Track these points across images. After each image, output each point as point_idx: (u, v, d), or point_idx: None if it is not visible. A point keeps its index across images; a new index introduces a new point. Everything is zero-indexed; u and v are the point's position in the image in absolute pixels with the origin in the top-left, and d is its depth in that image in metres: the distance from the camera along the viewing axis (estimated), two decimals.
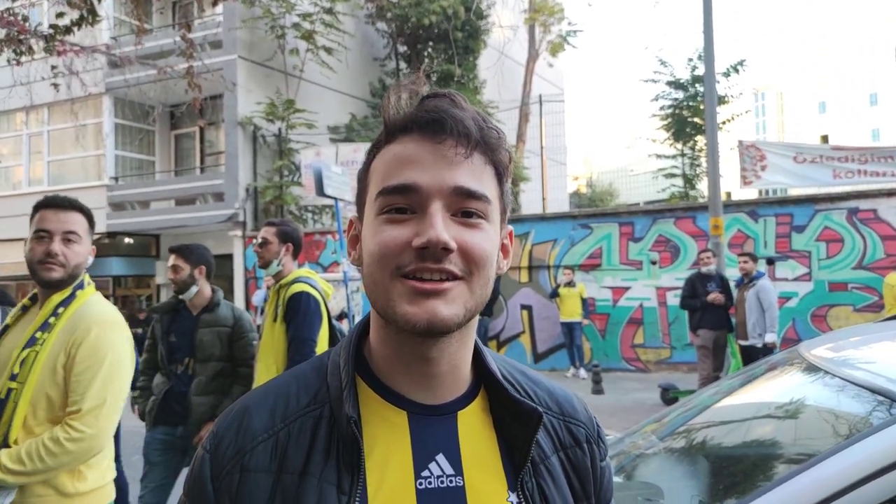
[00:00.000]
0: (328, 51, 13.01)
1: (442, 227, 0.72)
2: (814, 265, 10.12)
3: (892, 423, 1.28)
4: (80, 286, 2.11)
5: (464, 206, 0.76)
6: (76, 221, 2.08)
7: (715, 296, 7.78)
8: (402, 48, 15.28)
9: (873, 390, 1.47)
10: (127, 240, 15.43)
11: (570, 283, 10.69)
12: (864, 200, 9.79)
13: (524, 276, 11.79)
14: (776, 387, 2.03)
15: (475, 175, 0.76)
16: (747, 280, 7.57)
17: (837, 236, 9.94)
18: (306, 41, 13.13)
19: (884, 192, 9.87)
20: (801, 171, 10.64)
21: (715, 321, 7.84)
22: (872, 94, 34.99)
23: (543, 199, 13.15)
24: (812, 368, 1.83)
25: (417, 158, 0.76)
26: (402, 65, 15.57)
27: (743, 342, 7.59)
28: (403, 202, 0.75)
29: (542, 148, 13.37)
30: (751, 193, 12.70)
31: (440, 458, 0.77)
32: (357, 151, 12.05)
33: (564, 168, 23.06)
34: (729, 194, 11.45)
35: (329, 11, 13.08)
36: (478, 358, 0.86)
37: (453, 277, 0.74)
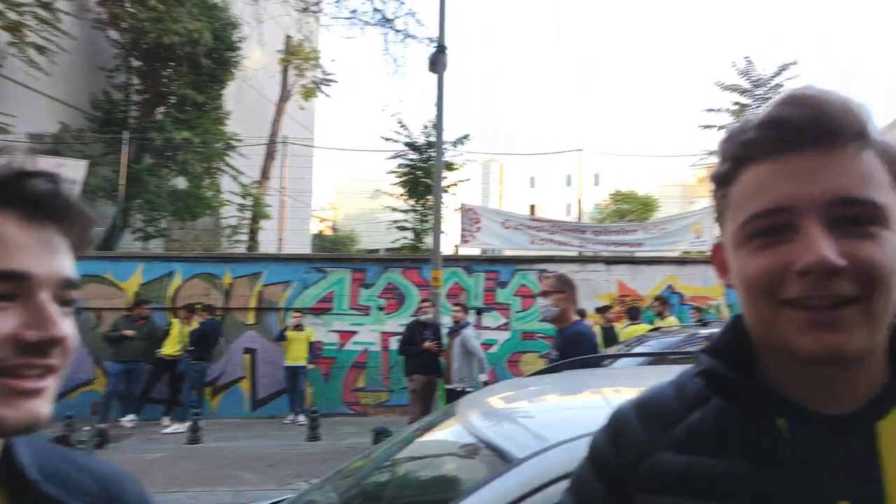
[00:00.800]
0: (40, 49, 11.36)
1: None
2: (512, 316, 11.58)
3: (494, 478, 1.41)
4: None
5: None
6: None
7: (430, 344, 8.41)
8: (137, 62, 14.05)
9: (494, 448, 1.57)
10: None
11: (298, 326, 10.57)
12: (551, 264, 11.54)
13: (251, 318, 11.38)
14: (428, 441, 2.13)
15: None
16: (457, 328, 8.33)
17: (530, 292, 11.53)
18: (11, 33, 11.32)
19: (566, 258, 11.98)
20: (507, 235, 12.23)
21: (428, 366, 8.45)
22: (567, 174, 41.71)
23: (280, 239, 12.96)
24: (456, 422, 1.96)
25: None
26: (136, 80, 14.28)
27: (448, 386, 8.29)
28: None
29: (281, 187, 13.25)
30: (474, 250, 14.10)
31: None
32: (62, 167, 10.62)
33: (309, 210, 23.12)
34: (457, 248, 12.59)
35: (46, 7, 11.49)
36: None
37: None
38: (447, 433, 2.01)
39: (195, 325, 10.31)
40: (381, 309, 11.52)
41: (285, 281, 11.49)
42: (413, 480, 2.05)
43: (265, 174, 15.90)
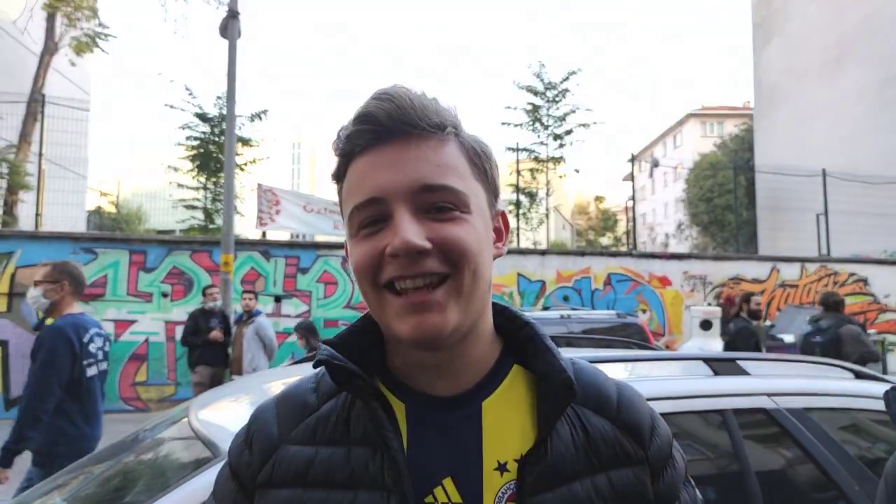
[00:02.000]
0: None
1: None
2: (314, 303, 11.24)
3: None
4: None
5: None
6: None
7: (215, 334, 7.81)
8: None
9: (205, 442, 1.58)
10: None
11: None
12: None
13: (2, 305, 9.75)
14: (159, 436, 2.06)
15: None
16: (247, 317, 7.84)
17: (333, 279, 11.29)
18: None
19: None
20: (308, 220, 11.79)
21: (213, 358, 7.86)
22: None
23: (38, 214, 11.21)
24: (183, 417, 1.93)
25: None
26: None
27: (237, 377, 7.79)
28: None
29: (40, 154, 11.46)
30: (284, 235, 13.40)
31: None
32: None
33: (84, 182, 20.43)
34: (264, 234, 11.88)
35: None
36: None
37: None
38: (174, 429, 1.97)
39: None
40: (165, 296, 10.52)
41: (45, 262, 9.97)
42: (133, 475, 1.95)
43: (25, 138, 13.63)
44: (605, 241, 38.13)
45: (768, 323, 12.80)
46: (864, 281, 14.72)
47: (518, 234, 15.83)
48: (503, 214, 0.85)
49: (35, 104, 13.13)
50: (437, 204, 0.72)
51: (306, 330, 7.65)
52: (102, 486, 1.95)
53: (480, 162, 0.79)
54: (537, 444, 0.74)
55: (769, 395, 1.89)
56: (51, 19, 15.11)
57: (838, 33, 19.65)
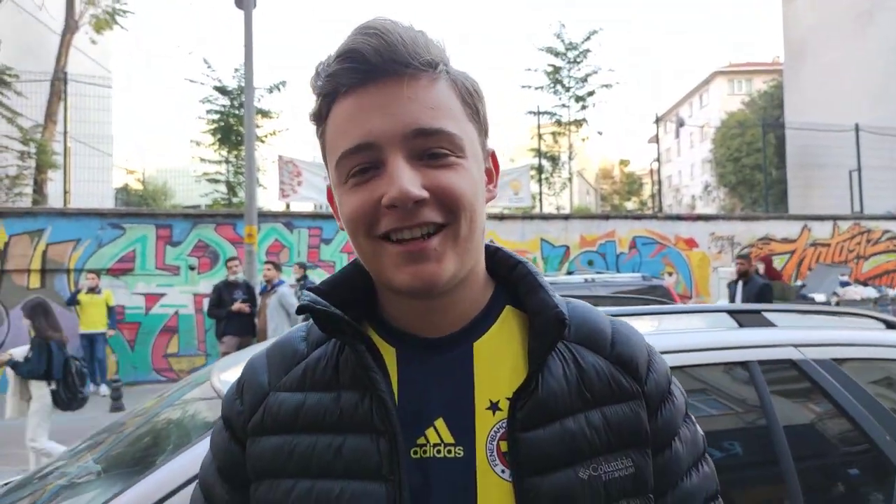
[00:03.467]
0: None
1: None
2: None
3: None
4: None
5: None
6: None
7: (239, 305, 7.93)
8: None
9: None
10: None
11: (94, 289, 9.50)
12: None
13: (35, 281, 9.99)
14: (186, 397, 2.10)
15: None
16: (269, 287, 7.94)
17: None
18: None
19: None
20: None
21: (240, 328, 7.99)
22: None
23: (66, 191, 11.40)
24: (206, 378, 1.96)
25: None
26: None
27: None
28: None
29: (65, 132, 11.60)
30: (307, 206, 13.43)
31: None
32: None
33: (111, 159, 20.71)
34: (288, 206, 11.94)
35: None
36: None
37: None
38: (198, 390, 2.00)
39: None
40: (192, 269, 10.69)
41: (75, 239, 10.18)
42: (159, 434, 2.00)
43: (50, 117, 13.78)
44: (630, 205, 37.68)
45: (799, 283, 12.58)
46: None
47: (540, 199, 15.69)
48: (493, 155, 0.82)
49: (58, 83, 13.24)
50: (432, 150, 0.68)
51: (33, 311, 5.65)
52: (132, 444, 2.00)
53: (472, 101, 0.75)
54: (527, 380, 0.72)
55: (796, 345, 1.84)
56: None
57: None
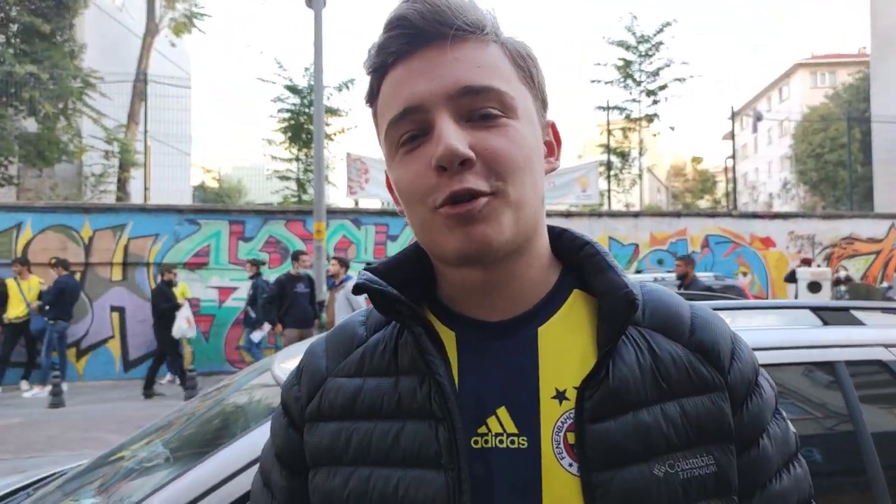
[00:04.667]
0: None
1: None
2: None
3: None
4: None
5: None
6: None
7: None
8: None
9: None
10: None
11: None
12: None
13: (117, 274, 10.54)
14: (250, 385, 2.15)
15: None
16: (337, 282, 8.09)
17: None
18: None
19: None
20: None
21: (299, 319, 8.23)
22: None
23: (146, 188, 11.98)
24: (267, 371, 1.99)
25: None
26: None
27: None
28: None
29: (145, 131, 12.19)
30: (374, 203, 13.67)
31: None
32: None
33: (188, 158, 21.66)
34: (356, 202, 12.17)
35: None
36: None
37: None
38: (260, 379, 2.04)
39: (34, 281, 9.41)
40: (262, 264, 11.02)
41: (154, 234, 10.68)
42: (222, 420, 2.05)
43: (133, 117, 14.55)
44: (703, 203, 36.37)
45: (885, 285, 11.81)
46: None
47: (609, 196, 15.34)
48: (553, 126, 0.77)
49: (140, 84, 13.95)
50: (481, 110, 0.65)
51: None
52: (198, 428, 2.06)
53: (526, 65, 0.71)
54: (597, 367, 0.67)
55: (887, 346, 1.70)
56: (151, 1, 15.95)
57: None
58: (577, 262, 0.76)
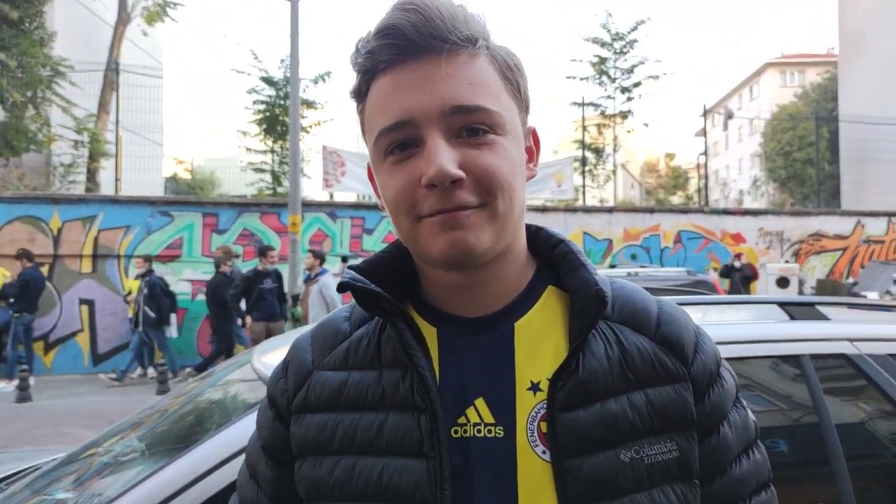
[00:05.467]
0: None
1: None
2: None
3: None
4: None
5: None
6: None
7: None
8: None
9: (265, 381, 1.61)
10: None
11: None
12: None
13: (87, 266, 10.34)
14: (227, 379, 2.15)
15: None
16: (312, 275, 8.05)
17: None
18: None
19: None
20: None
21: (265, 313, 8.25)
22: None
23: (117, 179, 11.76)
24: (247, 361, 2.01)
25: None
26: None
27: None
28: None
29: (117, 122, 11.95)
30: (350, 196, 13.56)
31: None
32: None
33: (161, 149, 21.29)
34: (331, 195, 12.09)
35: None
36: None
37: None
38: (239, 372, 2.05)
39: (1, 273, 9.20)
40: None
41: (125, 225, 10.50)
42: (200, 414, 2.06)
43: (104, 107, 14.24)
44: (676, 199, 36.88)
45: (851, 280, 12.14)
46: None
47: (584, 192, 15.47)
48: (534, 132, 0.80)
49: (111, 73, 13.65)
50: (470, 126, 0.67)
51: None
52: (174, 423, 2.05)
53: (513, 76, 0.73)
54: (567, 360, 0.70)
55: (851, 340, 1.77)
56: None
57: None
58: (552, 260, 0.80)
